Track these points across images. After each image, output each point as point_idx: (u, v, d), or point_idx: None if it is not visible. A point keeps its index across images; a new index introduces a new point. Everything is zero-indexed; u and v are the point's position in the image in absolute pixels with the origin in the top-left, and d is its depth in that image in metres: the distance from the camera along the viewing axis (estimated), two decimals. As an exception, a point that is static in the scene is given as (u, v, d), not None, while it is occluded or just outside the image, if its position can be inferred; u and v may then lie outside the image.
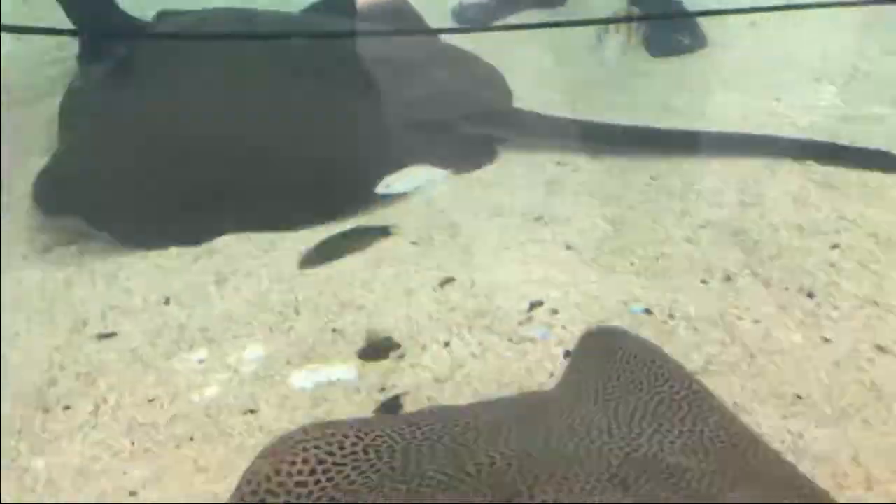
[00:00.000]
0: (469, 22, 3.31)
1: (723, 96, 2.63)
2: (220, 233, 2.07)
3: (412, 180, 2.12)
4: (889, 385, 1.43)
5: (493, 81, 2.76)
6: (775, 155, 2.15)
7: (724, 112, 2.49)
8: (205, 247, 2.05)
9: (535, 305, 1.70)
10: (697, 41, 3.04)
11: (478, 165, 2.32)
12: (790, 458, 1.28)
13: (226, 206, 2.11)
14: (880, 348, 1.51)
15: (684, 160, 2.21)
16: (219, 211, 2.10)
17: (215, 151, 2.20)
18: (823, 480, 1.26)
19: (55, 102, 2.76)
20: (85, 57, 2.97)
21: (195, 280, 1.94)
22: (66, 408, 1.59)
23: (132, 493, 1.40)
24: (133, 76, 2.42)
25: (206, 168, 2.17)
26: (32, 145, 2.58)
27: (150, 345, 1.74)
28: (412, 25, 3.00)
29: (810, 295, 1.66)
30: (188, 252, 2.04)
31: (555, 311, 1.67)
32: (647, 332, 1.59)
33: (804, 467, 1.27)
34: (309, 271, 1.91)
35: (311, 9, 2.99)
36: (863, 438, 1.33)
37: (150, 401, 1.60)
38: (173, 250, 2.04)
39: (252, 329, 1.76)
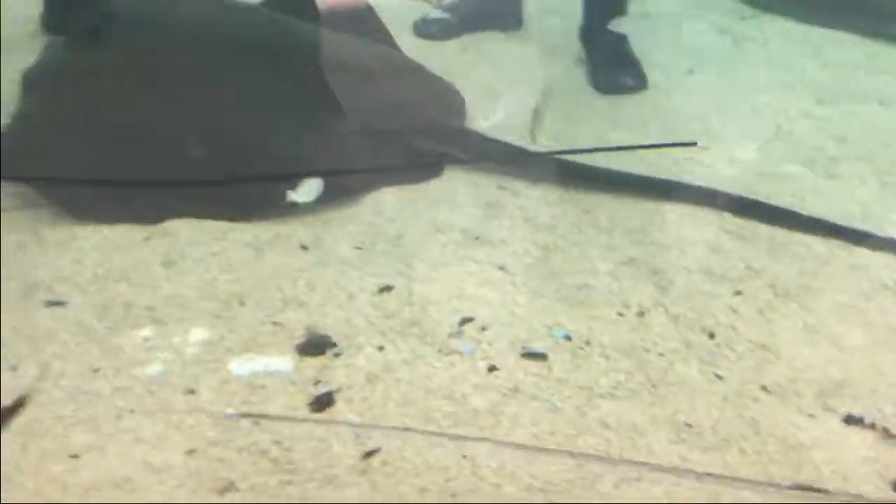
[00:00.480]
0: (429, 37, 3.44)
1: (657, 139, 2.80)
2: (172, 216, 2.15)
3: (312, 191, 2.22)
4: (767, 421, 1.61)
5: (449, 98, 2.88)
6: (696, 203, 2.34)
7: (656, 157, 2.67)
8: (156, 227, 2.13)
9: (465, 321, 1.85)
10: (639, 82, 3.21)
11: (423, 180, 2.44)
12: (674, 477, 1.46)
13: (180, 189, 2.19)
14: (765, 388, 1.70)
15: (615, 198, 2.39)
16: (173, 194, 2.18)
17: (174, 135, 2.28)
18: (702, 498, 1.44)
19: (12, 61, 2.80)
20: (51, 22, 3.01)
21: (144, 259, 2.02)
22: (13, 368, 1.66)
23: (73, 456, 1.49)
24: (101, 49, 2.47)
25: (163, 150, 2.24)
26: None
27: (98, 318, 1.82)
28: (376, 35, 3.11)
29: (711, 335, 1.85)
30: (139, 231, 2.12)
31: (483, 329, 1.82)
32: (565, 356, 1.76)
33: (686, 484, 1.46)
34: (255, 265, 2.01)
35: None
36: (737, 465, 1.51)
37: (95, 371, 1.68)
38: (124, 227, 2.12)
39: (197, 314, 1.86)
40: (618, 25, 3.27)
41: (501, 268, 2.05)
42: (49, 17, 3.02)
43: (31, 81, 2.54)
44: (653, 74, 3.26)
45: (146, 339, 1.78)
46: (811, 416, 1.63)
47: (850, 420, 1.62)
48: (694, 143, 2.04)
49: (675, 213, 2.31)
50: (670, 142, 2.69)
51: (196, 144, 2.25)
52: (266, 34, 2.55)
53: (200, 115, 2.33)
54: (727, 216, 2.29)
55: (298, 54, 2.49)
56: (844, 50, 3.55)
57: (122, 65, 2.39)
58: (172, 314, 1.85)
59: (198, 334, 1.80)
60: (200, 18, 2.55)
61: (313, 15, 2.75)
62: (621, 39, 3.29)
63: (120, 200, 2.15)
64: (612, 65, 3.23)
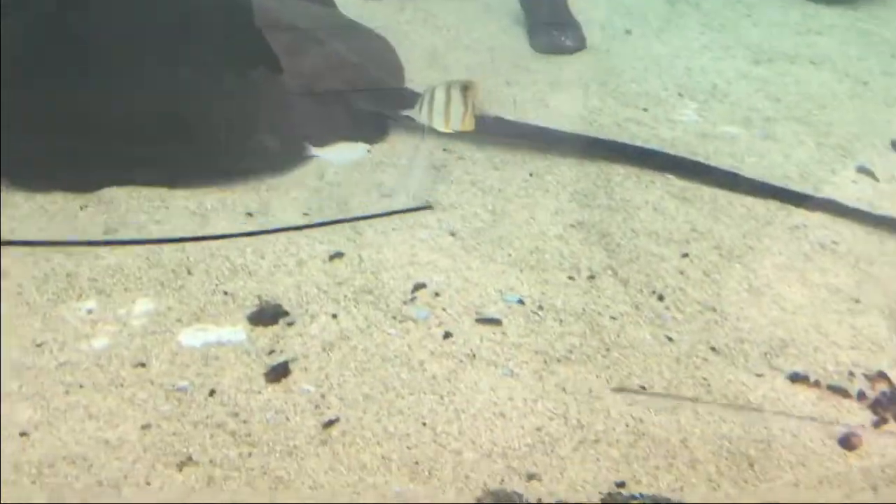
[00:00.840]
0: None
1: (597, 101, 2.82)
2: (108, 184, 2.07)
3: (342, 153, 2.20)
4: (717, 381, 1.66)
5: (386, 58, 2.83)
6: (640, 165, 2.37)
7: (598, 117, 2.69)
8: (91, 196, 2.05)
9: (418, 287, 1.84)
10: (578, 43, 3.21)
11: (368, 142, 2.41)
12: (632, 438, 1.49)
13: (115, 157, 2.11)
14: (714, 349, 1.75)
15: (561, 160, 2.39)
16: (108, 161, 2.10)
17: (110, 100, 2.18)
18: (658, 460, 1.48)
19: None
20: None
21: (82, 229, 1.95)
22: (-50, 344, 1.59)
23: (23, 434, 1.43)
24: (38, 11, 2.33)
25: (97, 116, 2.15)
26: None
27: (37, 290, 1.75)
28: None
29: (660, 297, 1.88)
30: (75, 199, 2.04)
31: (437, 294, 1.82)
32: (519, 321, 1.77)
33: (642, 447, 1.49)
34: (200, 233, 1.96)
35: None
36: (692, 426, 1.55)
37: (38, 345, 1.62)
38: (59, 195, 2.04)
39: (142, 284, 1.81)
40: None
41: (452, 233, 2.04)
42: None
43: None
44: (591, 35, 3.26)
45: (90, 312, 1.72)
46: (759, 375, 1.68)
47: (795, 378, 1.67)
48: (429, 207, 2.11)
49: (619, 176, 2.33)
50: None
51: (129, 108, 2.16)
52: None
53: (135, 79, 2.23)
54: (671, 178, 2.32)
55: (236, 12, 2.40)
56: (778, 10, 3.61)
57: (48, 29, 2.26)
58: (116, 285, 1.79)
59: (144, 305, 1.76)
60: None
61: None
62: (560, 0, 3.29)
63: (54, 167, 2.05)
64: (551, 25, 3.23)
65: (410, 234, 2.02)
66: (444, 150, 2.41)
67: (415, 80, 2.74)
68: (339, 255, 1.93)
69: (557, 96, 2.83)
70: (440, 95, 2.09)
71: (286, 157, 2.29)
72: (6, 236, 1.88)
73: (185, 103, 2.22)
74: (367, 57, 2.74)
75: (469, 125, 2.12)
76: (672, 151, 2.45)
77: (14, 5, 2.33)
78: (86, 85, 2.18)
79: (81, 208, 2.01)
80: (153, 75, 2.25)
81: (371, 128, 2.47)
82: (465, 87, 2.11)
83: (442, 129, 2.11)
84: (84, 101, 2.14)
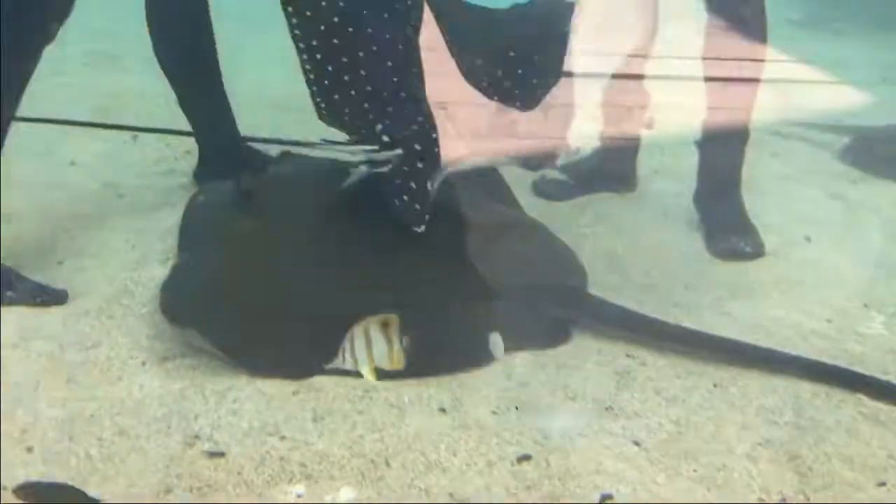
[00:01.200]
0: (548, 196, 3.60)
1: (779, 310, 2.83)
2: (320, 371, 2.27)
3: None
4: None
5: (569, 260, 2.98)
6: (829, 383, 2.34)
7: (779, 328, 2.70)
8: (305, 382, 2.25)
9: (606, 498, 1.88)
10: (757, 249, 3.26)
11: (552, 345, 2.52)
12: None
13: (327, 346, 2.32)
14: None
15: (745, 372, 2.41)
16: (322, 348, 2.31)
17: (324, 290, 2.42)
18: None
19: (171, 213, 3.06)
20: (202, 178, 3.29)
21: (295, 414, 2.13)
22: (182, 518, 1.77)
23: None
24: (255, 204, 2.67)
25: (313, 304, 2.39)
26: (150, 253, 2.84)
27: (256, 471, 1.92)
28: (499, 193, 3.28)
29: (857, 529, 1.83)
30: (289, 385, 2.24)
31: (624, 507, 1.85)
32: (710, 543, 1.76)
33: None
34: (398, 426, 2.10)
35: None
36: None
37: (257, 527, 1.77)
38: (276, 380, 2.25)
39: (345, 472, 1.94)
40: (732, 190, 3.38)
41: (636, 442, 2.08)
42: (203, 173, 3.29)
43: (189, 233, 2.77)
44: (769, 240, 3.31)
45: (299, 496, 1.86)
46: None
47: None
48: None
49: (807, 393, 2.31)
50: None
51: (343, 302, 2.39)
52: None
53: (345, 275, 2.48)
54: (863, 398, 2.28)
55: (440, 220, 2.65)
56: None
57: (276, 225, 2.58)
58: (323, 472, 1.94)
59: (347, 494, 1.88)
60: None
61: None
62: (737, 204, 3.38)
63: (273, 354, 2.28)
64: (728, 230, 3.30)
65: (596, 441, 2.08)
66: (628, 355, 2.49)
67: (596, 283, 2.88)
68: (527, 457, 2.01)
69: (737, 303, 2.87)
70: (360, 337, 2.14)
71: (476, 354, 2.43)
72: (229, 420, 2.08)
73: (393, 298, 2.43)
74: (549, 258, 2.90)
75: (397, 362, 2.14)
76: (861, 369, 2.42)
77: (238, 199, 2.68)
78: (305, 276, 2.45)
79: (294, 394, 2.21)
80: (364, 269, 2.50)
81: (555, 330, 2.59)
82: (385, 324, 2.17)
83: (369, 376, 2.14)
84: (303, 290, 2.40)
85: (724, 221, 3.34)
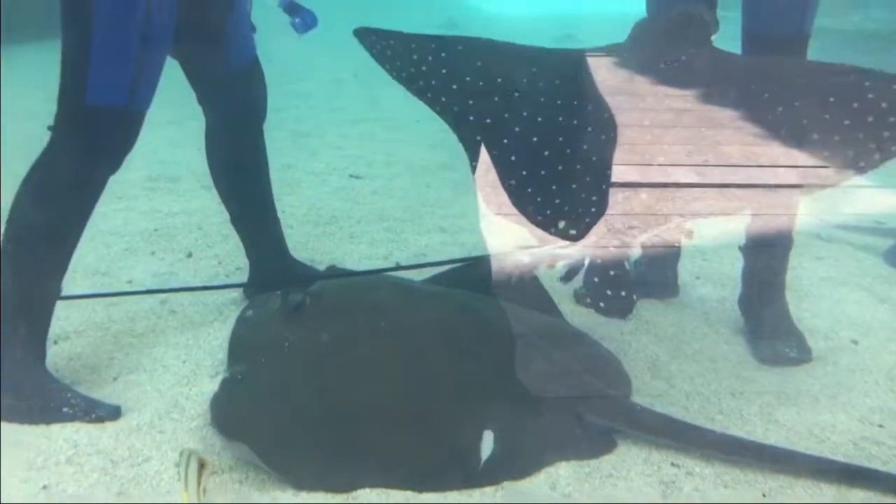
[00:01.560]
0: (588, 304, 3.62)
1: (828, 416, 2.79)
2: (365, 485, 2.29)
3: None
4: None
5: (613, 368, 2.98)
6: (882, 490, 2.29)
7: (829, 434, 2.66)
8: (349, 495, 2.27)
9: None
10: (802, 354, 3.23)
11: (596, 455, 2.51)
12: None
13: (375, 458, 2.35)
14: None
15: (794, 480, 2.37)
16: (368, 462, 2.33)
17: (371, 404, 2.47)
18: None
19: (222, 328, 3.16)
20: (253, 294, 3.40)
21: (338, 528, 2.15)
22: None
23: None
24: (304, 321, 2.75)
25: (360, 419, 2.43)
26: (200, 367, 2.93)
27: (300, 588, 1.93)
28: (540, 301, 3.33)
29: None
30: (333, 497, 2.26)
31: None
32: None
33: None
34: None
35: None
36: None
37: None
38: (321, 495, 2.27)
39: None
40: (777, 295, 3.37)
41: (686, 559, 2.04)
42: (252, 290, 3.41)
43: (238, 348, 2.85)
44: (816, 344, 3.29)
45: None
46: None
47: None
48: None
49: (860, 500, 2.26)
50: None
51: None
52: (454, 314, 2.80)
53: (396, 389, 2.52)
54: (917, 509, 2.22)
55: (485, 331, 2.71)
56: None
57: (324, 341, 2.65)
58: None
59: None
60: (394, 301, 2.83)
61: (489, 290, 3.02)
62: (782, 309, 3.36)
63: (319, 465, 2.31)
64: (774, 335, 3.28)
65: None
66: (673, 464, 2.46)
67: (640, 390, 2.88)
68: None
69: (785, 410, 2.83)
70: (181, 465, 2.12)
71: (521, 463, 2.43)
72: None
73: (438, 409, 2.47)
74: (593, 367, 2.91)
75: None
76: (915, 478, 2.36)
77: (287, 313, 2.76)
78: (350, 390, 2.50)
79: (338, 507, 2.23)
80: (409, 382, 2.54)
81: (599, 439, 2.58)
82: (202, 465, 2.15)
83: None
84: (348, 404, 2.45)
85: (770, 327, 3.32)
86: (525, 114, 2.65)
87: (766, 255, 3.39)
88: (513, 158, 2.61)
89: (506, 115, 2.66)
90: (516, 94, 2.69)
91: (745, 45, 3.13)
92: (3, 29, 8.55)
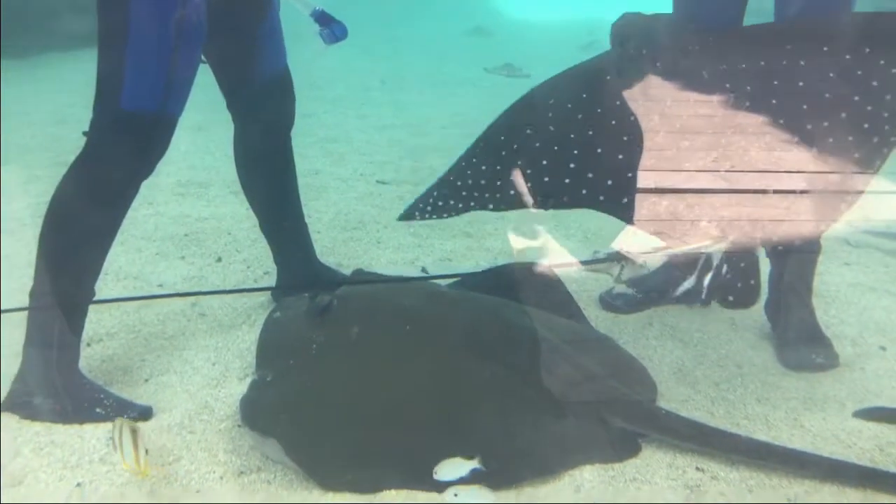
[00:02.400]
0: (615, 309, 3.64)
1: (855, 422, 2.78)
2: (391, 486, 2.32)
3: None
4: None
5: (637, 373, 2.99)
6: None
7: (856, 440, 2.65)
8: (374, 496, 2.30)
9: None
10: (829, 360, 3.21)
11: (621, 458, 2.52)
12: None
13: (400, 459, 2.37)
14: None
15: (820, 486, 2.36)
16: (393, 463, 2.36)
17: (397, 406, 2.50)
18: None
19: (250, 331, 3.21)
20: (280, 297, 3.45)
21: (364, 527, 2.18)
22: None
23: None
24: (331, 324, 2.79)
25: (386, 420, 2.46)
26: (230, 369, 2.98)
27: (326, 586, 1.96)
28: (566, 307, 3.35)
29: None
30: (360, 497, 2.29)
31: None
32: None
33: None
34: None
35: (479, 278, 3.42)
36: None
37: None
38: (348, 495, 2.30)
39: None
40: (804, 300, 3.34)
41: (710, 558, 2.05)
42: (280, 293, 3.46)
43: (266, 350, 2.90)
44: (843, 350, 3.27)
45: None
46: None
47: None
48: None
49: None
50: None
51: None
52: (480, 318, 2.82)
53: (422, 392, 2.55)
54: (945, 516, 2.21)
55: (511, 335, 2.74)
56: None
57: (352, 343, 2.69)
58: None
59: None
60: (420, 304, 2.86)
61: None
62: (810, 315, 3.34)
63: (345, 467, 2.35)
64: (800, 341, 3.27)
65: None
66: (698, 468, 2.47)
67: (665, 395, 2.88)
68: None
69: (811, 416, 2.82)
70: (114, 435, 2.22)
71: (545, 465, 2.45)
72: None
73: (464, 413, 2.49)
74: (618, 372, 2.92)
75: (145, 469, 2.20)
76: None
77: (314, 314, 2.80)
78: (377, 391, 2.53)
79: (364, 508, 2.26)
80: (435, 384, 2.57)
81: (624, 443, 2.59)
82: (133, 430, 2.23)
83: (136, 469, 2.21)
84: (375, 405, 2.48)
85: (796, 333, 3.30)
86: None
87: (794, 261, 3.37)
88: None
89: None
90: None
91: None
92: (27, 39, 8.73)
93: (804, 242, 3.28)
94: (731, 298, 2.75)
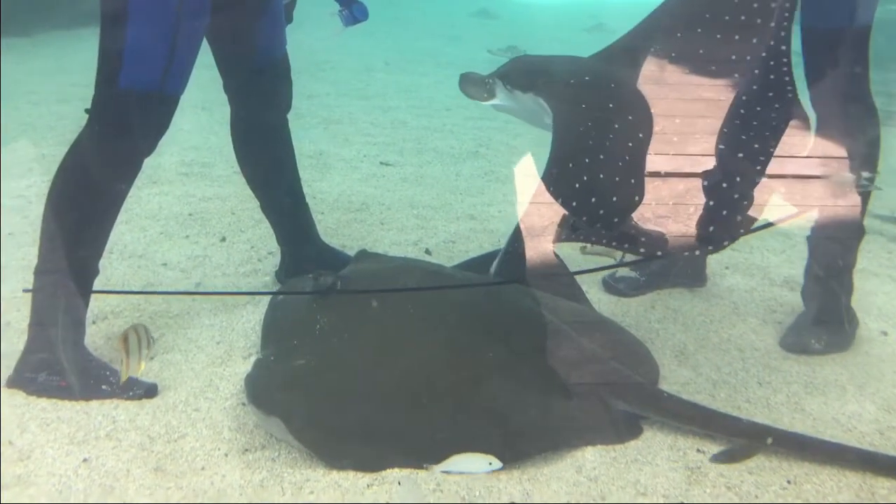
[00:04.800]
0: (618, 292, 3.65)
1: (855, 406, 2.80)
2: (394, 464, 2.34)
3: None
4: None
5: (640, 355, 3.00)
6: (908, 480, 2.30)
7: (856, 424, 2.66)
8: (378, 474, 2.32)
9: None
10: (828, 348, 3.21)
11: (623, 440, 2.53)
12: None
13: (404, 438, 2.39)
14: None
15: (819, 468, 2.38)
16: (397, 442, 2.38)
17: (400, 385, 2.51)
18: None
19: (255, 311, 3.23)
20: (284, 277, 3.46)
21: (367, 505, 2.20)
22: None
23: None
24: (335, 304, 2.80)
25: (390, 399, 2.47)
26: (234, 349, 3.00)
27: (332, 564, 1.98)
28: (568, 289, 3.35)
29: None
30: (363, 477, 2.31)
31: None
32: None
33: None
34: None
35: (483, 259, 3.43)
36: None
37: None
38: (351, 473, 2.32)
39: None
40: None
41: (709, 542, 2.07)
42: (284, 273, 3.48)
43: (271, 330, 2.92)
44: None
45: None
46: None
47: None
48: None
49: (885, 489, 2.27)
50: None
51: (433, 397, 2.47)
52: (483, 299, 2.84)
53: (425, 372, 2.56)
54: (944, 498, 2.23)
55: (513, 317, 2.75)
56: None
57: (355, 323, 2.70)
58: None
59: None
60: (421, 284, 2.87)
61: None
62: (831, 300, 3.29)
63: (352, 444, 2.36)
64: (808, 325, 3.26)
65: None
66: (699, 450, 2.48)
67: (667, 378, 2.90)
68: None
69: (812, 399, 2.84)
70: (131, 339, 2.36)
71: (547, 446, 2.46)
72: (307, 508, 2.16)
73: (469, 391, 2.51)
74: (620, 354, 2.93)
75: (133, 370, 2.40)
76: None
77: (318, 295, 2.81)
78: (379, 370, 2.55)
79: (368, 486, 2.27)
80: (439, 363, 2.58)
81: (626, 425, 2.60)
82: (137, 335, 2.39)
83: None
84: (377, 384, 2.50)
85: (808, 318, 3.29)
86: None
87: (821, 249, 3.31)
88: None
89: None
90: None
91: (804, 39, 3.07)
92: (32, 16, 8.71)
93: (839, 229, 3.26)
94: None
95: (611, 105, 2.71)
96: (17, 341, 2.80)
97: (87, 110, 2.70)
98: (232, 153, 3.39)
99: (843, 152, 2.89)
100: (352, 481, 2.29)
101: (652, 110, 2.73)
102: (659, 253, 2.51)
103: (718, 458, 2.41)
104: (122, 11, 2.54)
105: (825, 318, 3.27)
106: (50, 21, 9.27)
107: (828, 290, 3.29)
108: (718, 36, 2.77)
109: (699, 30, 2.82)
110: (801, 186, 2.86)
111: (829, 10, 2.99)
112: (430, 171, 5.39)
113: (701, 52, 2.80)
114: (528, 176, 2.74)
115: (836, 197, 3.07)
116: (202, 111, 5.72)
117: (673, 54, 2.84)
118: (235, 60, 3.14)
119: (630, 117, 2.71)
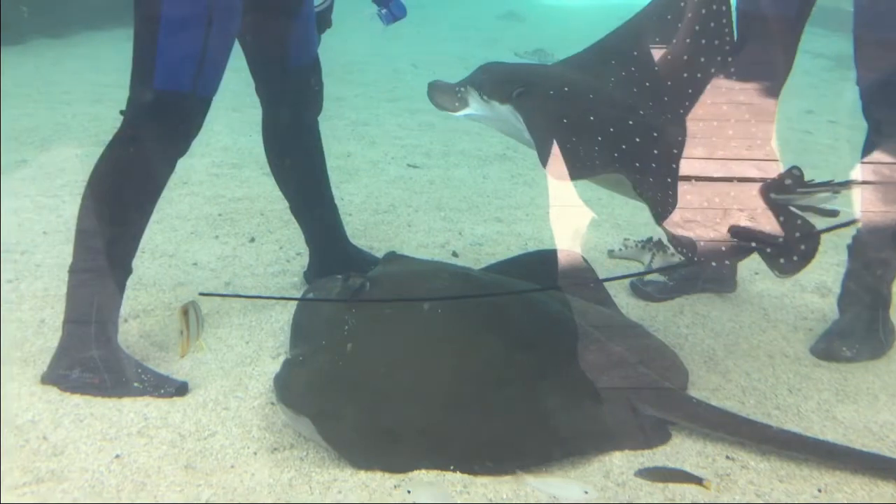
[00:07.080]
0: (646, 297, 3.63)
1: (888, 414, 2.76)
2: (421, 466, 2.34)
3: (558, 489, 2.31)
4: None
5: (669, 361, 2.98)
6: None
7: (889, 432, 2.64)
8: (405, 475, 2.33)
9: None
10: (859, 356, 3.17)
11: (651, 445, 2.52)
12: None
13: (431, 440, 2.40)
14: None
15: (851, 477, 2.36)
16: (424, 443, 2.39)
17: (428, 387, 2.52)
18: None
19: (283, 311, 3.25)
20: (312, 277, 3.49)
21: (395, 506, 2.21)
22: None
23: None
24: (362, 302, 2.81)
25: (418, 401, 2.48)
26: (263, 348, 3.02)
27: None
28: (597, 294, 3.35)
29: None
30: (390, 478, 2.32)
31: None
32: None
33: None
34: None
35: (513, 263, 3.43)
36: None
37: None
38: (378, 474, 2.33)
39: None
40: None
41: (739, 552, 2.05)
42: (312, 273, 3.50)
43: (299, 329, 2.94)
44: (875, 344, 3.23)
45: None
46: None
47: None
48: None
49: (916, 499, 2.24)
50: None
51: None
52: (511, 302, 2.84)
53: (453, 374, 2.57)
54: (979, 509, 2.20)
55: (541, 320, 2.75)
56: None
57: (384, 324, 2.71)
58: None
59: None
60: (452, 287, 2.87)
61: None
62: (865, 310, 3.26)
63: (379, 445, 2.37)
64: (841, 333, 3.23)
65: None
66: (728, 457, 2.47)
67: (696, 384, 2.88)
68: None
69: (843, 407, 2.81)
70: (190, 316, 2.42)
71: (575, 450, 2.46)
72: (336, 507, 2.17)
73: (498, 395, 2.51)
74: (649, 359, 2.92)
75: (183, 349, 2.49)
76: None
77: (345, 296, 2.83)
78: (417, 366, 2.56)
79: (395, 487, 2.28)
80: (468, 366, 2.59)
81: (654, 430, 2.59)
82: (184, 312, 2.43)
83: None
84: (409, 380, 2.51)
85: (841, 326, 3.26)
86: None
87: (859, 259, 3.27)
88: None
89: None
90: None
91: (856, 46, 3.04)
92: (69, 16, 8.84)
93: (885, 237, 3.21)
94: None
95: (592, 118, 2.67)
96: (52, 338, 2.84)
97: (121, 112, 2.74)
98: (261, 154, 3.42)
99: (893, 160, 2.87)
100: (379, 482, 2.30)
101: (640, 117, 2.71)
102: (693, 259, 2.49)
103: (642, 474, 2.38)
104: (155, 14, 2.58)
105: (860, 327, 3.24)
106: (83, 22, 9.39)
107: (865, 299, 3.26)
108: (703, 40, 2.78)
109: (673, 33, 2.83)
110: (854, 193, 2.84)
111: (883, 17, 2.96)
112: (458, 173, 5.40)
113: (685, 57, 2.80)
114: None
115: (885, 204, 3.05)
116: (233, 112, 5.76)
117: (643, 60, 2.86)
118: (268, 63, 3.17)
119: (619, 124, 2.68)
